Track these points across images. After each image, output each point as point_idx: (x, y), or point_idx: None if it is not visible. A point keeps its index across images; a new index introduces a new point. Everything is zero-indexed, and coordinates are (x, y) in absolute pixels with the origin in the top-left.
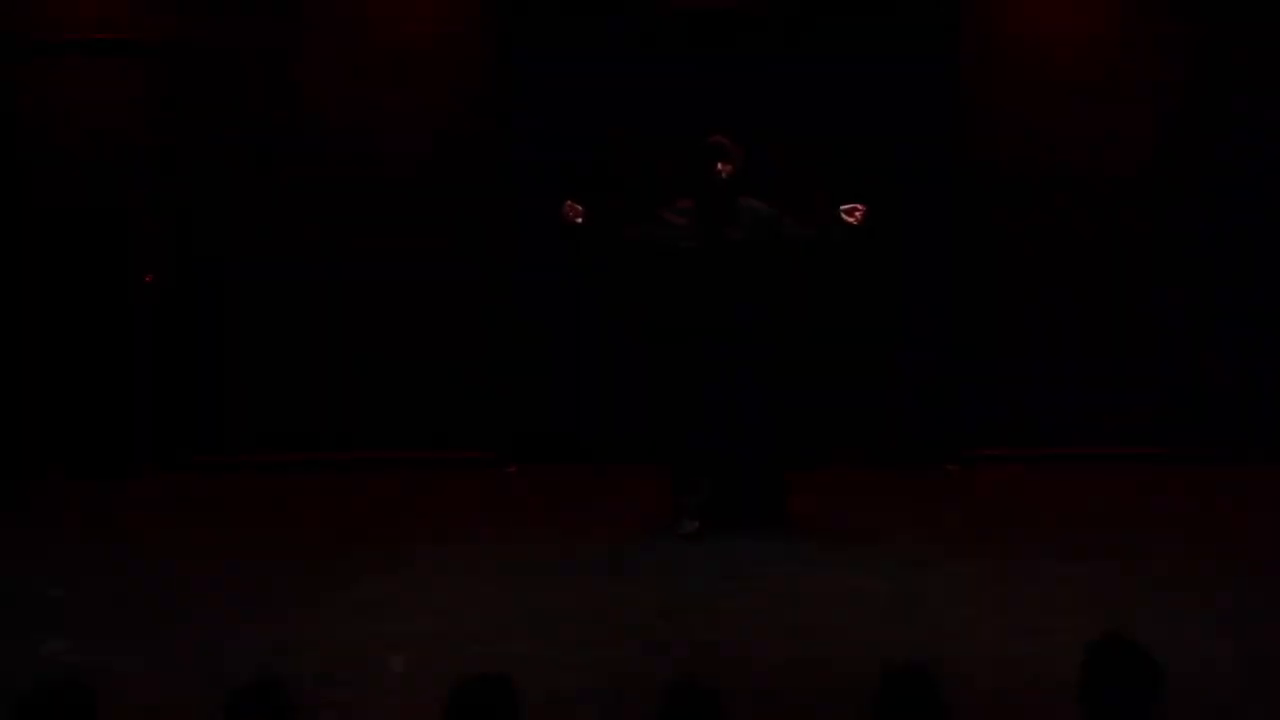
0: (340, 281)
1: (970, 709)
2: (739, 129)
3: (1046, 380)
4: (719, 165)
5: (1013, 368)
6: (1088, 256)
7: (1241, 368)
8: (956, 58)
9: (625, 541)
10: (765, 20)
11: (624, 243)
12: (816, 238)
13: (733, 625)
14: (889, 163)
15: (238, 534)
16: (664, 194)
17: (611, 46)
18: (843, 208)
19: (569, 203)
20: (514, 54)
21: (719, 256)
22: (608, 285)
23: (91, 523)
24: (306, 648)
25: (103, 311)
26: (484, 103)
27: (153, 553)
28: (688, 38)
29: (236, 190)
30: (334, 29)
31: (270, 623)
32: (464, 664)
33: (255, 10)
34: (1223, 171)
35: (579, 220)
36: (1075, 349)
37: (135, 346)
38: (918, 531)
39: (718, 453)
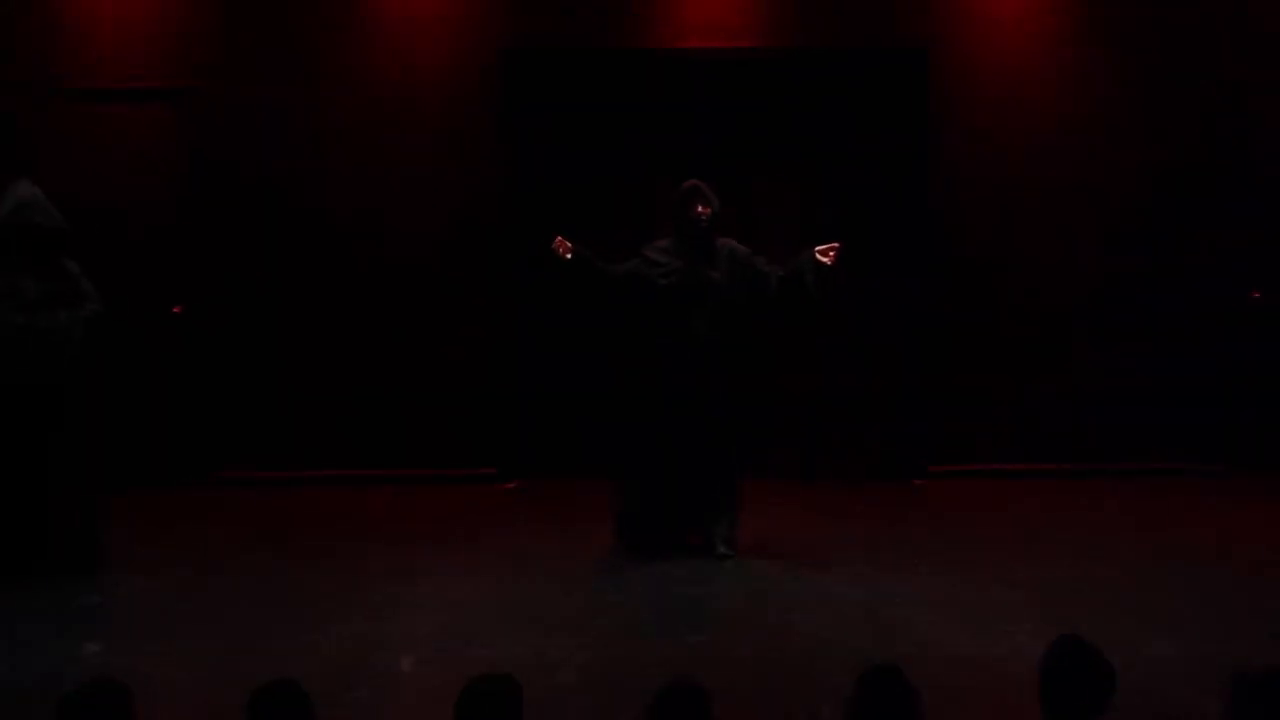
0: (353, 313)
1: (936, 707)
2: (726, 166)
3: (1006, 402)
4: (698, 207)
5: (975, 391)
6: (1043, 289)
7: (1182, 391)
8: (926, 98)
9: (617, 550)
10: (752, 63)
11: (608, 278)
12: (788, 276)
13: (717, 627)
14: (860, 201)
15: (257, 543)
16: (648, 233)
17: (608, 89)
18: (818, 248)
19: (559, 239)
20: (516, 93)
21: (697, 293)
22: (597, 315)
23: (121, 533)
24: (324, 648)
25: (138, 337)
26: (488, 140)
27: (180, 560)
28: (682, 80)
29: (259, 228)
30: (347, 77)
31: (290, 624)
32: (469, 662)
33: (279, 64)
34: (1182, 207)
35: (568, 256)
36: (1032, 374)
37: (164, 370)
38: (887, 541)
39: (680, 473)
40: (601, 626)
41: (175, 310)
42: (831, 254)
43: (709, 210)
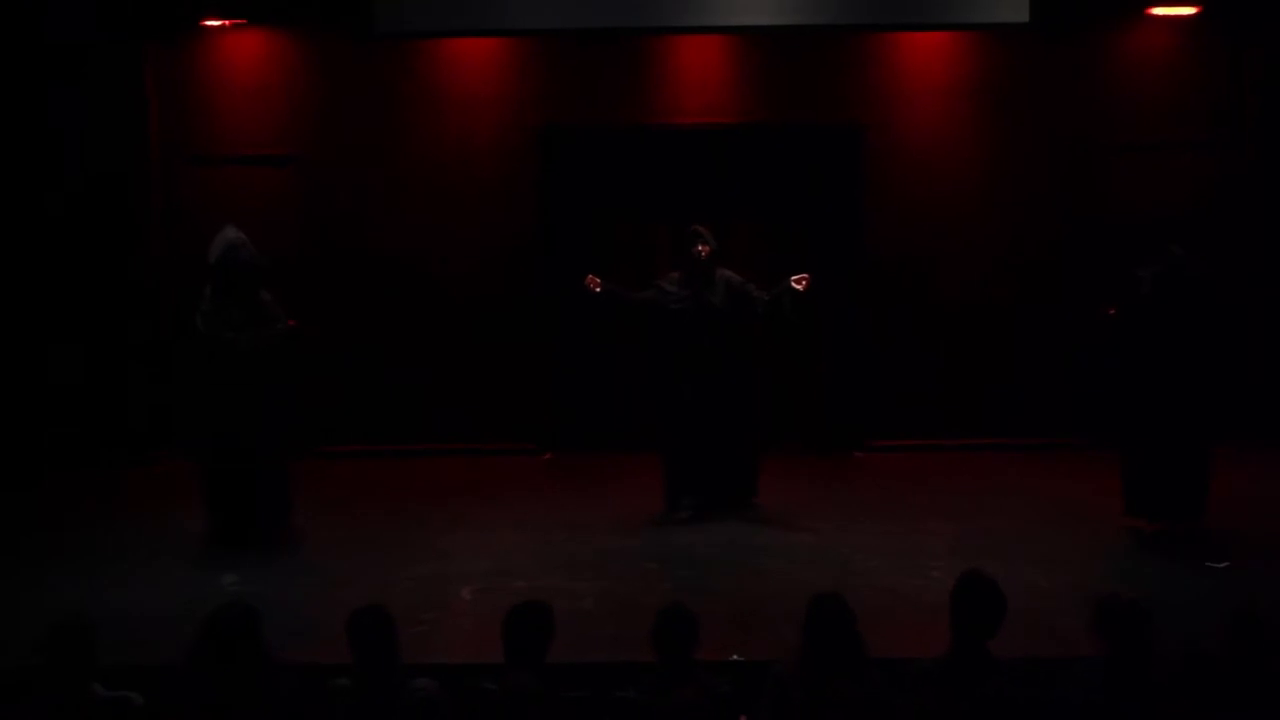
0: (421, 326)
1: (870, 625)
2: (713, 215)
3: (930, 390)
4: (700, 246)
5: (906, 381)
6: (959, 309)
7: (1065, 383)
8: (865, 163)
9: (632, 510)
10: (730, 135)
11: (631, 304)
12: (771, 300)
13: (705, 567)
14: (813, 241)
15: (348, 503)
16: (660, 268)
17: (620, 156)
18: (793, 278)
19: (589, 276)
20: (549, 159)
21: (701, 315)
22: (623, 324)
23: None
24: (402, 581)
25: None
26: (527, 194)
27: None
28: (676, 148)
29: (350, 262)
30: (419, 146)
31: (375, 564)
32: (513, 592)
33: (366, 135)
34: (1066, 248)
35: (597, 290)
36: (954, 367)
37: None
38: (835, 501)
39: (707, 451)
40: (615, 567)
41: (290, 324)
42: (803, 283)
43: (708, 248)
